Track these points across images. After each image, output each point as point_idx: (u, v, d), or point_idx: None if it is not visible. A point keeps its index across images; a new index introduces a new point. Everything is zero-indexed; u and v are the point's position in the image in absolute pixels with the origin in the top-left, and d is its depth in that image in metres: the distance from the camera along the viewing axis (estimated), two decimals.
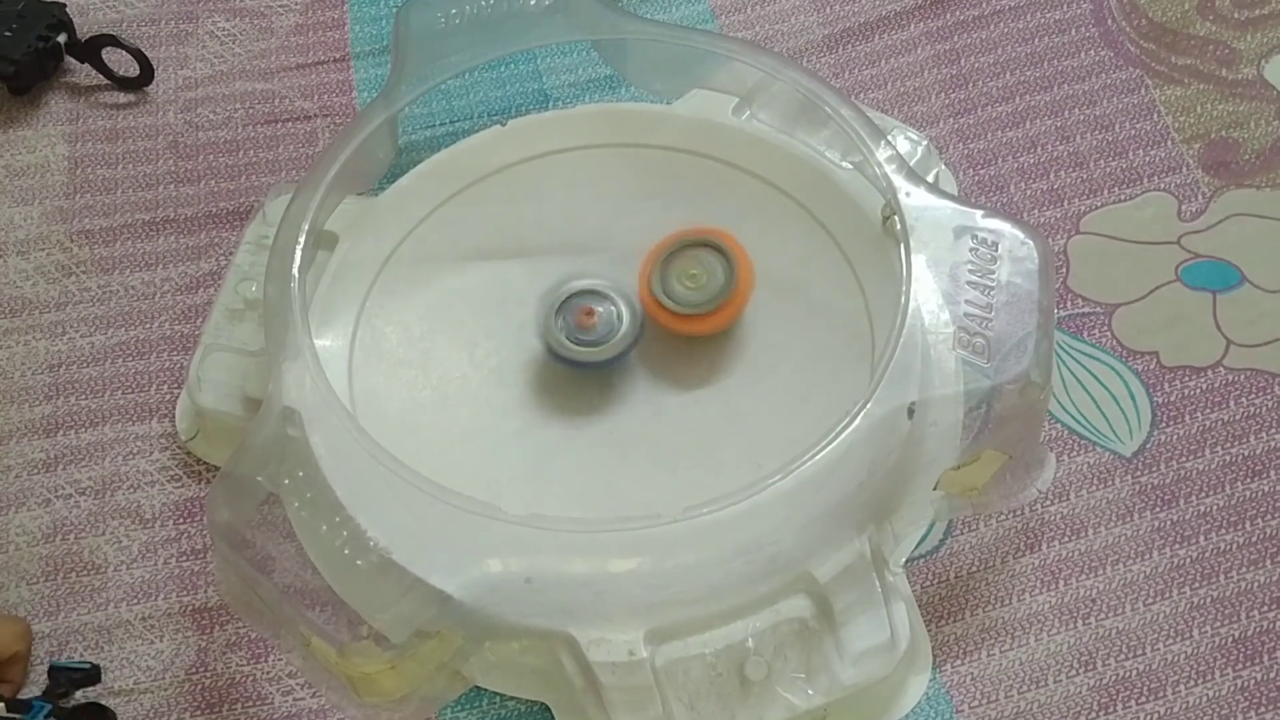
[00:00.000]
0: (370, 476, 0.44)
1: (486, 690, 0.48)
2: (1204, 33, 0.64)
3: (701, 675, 0.43)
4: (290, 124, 0.64)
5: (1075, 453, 0.52)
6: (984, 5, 0.66)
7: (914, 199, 0.49)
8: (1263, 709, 0.46)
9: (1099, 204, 0.59)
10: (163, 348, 0.57)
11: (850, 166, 0.53)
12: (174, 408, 0.55)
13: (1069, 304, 0.56)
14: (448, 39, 0.55)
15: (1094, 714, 0.47)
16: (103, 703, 0.48)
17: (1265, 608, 0.48)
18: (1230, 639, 0.48)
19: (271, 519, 0.45)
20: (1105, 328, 0.55)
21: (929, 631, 0.48)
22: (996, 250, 0.48)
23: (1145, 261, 0.57)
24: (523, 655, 0.45)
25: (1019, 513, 0.51)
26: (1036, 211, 0.59)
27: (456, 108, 0.64)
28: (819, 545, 0.44)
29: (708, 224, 0.55)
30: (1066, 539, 0.50)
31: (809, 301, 0.53)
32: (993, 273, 0.47)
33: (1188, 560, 0.50)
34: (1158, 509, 0.51)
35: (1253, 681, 0.47)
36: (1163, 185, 0.59)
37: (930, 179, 0.52)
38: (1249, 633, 0.48)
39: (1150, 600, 0.49)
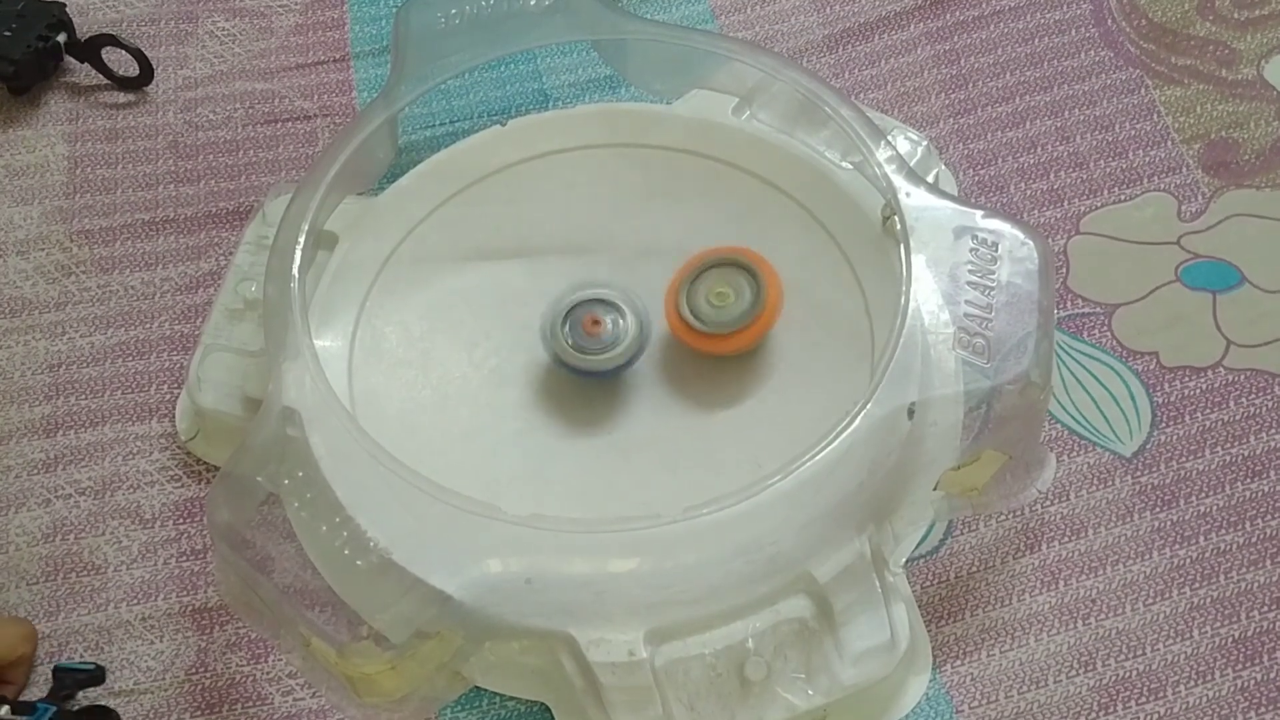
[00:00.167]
0: (370, 477, 0.44)
1: (486, 690, 0.48)
2: (1204, 33, 0.64)
3: (701, 675, 0.43)
4: (290, 124, 0.64)
5: (1075, 453, 0.52)
6: (984, 5, 0.66)
7: (914, 199, 0.49)
8: (1263, 709, 0.46)
9: (1099, 204, 0.59)
10: (163, 348, 0.57)
11: (850, 166, 0.53)
12: (174, 408, 0.55)
13: (1069, 304, 0.56)
14: (448, 39, 0.55)
15: (1094, 714, 0.47)
16: (103, 703, 0.48)
17: (1265, 608, 0.48)
18: (1230, 639, 0.48)
19: (271, 519, 0.45)
20: (1105, 328, 0.55)
21: (929, 631, 0.48)
22: (996, 250, 0.48)
23: (1145, 262, 0.57)
24: (523, 655, 0.45)
25: (1019, 513, 0.51)
26: (1036, 211, 0.59)
27: (456, 108, 0.64)
28: (819, 545, 0.44)
29: (708, 224, 0.55)
30: (1066, 539, 0.50)
31: (809, 301, 0.53)
32: (993, 273, 0.47)
33: (1188, 560, 0.50)
34: (1158, 509, 0.51)
35: (1253, 682, 0.47)
36: (1163, 185, 0.59)
37: (930, 179, 0.52)
38: (1249, 633, 0.48)
39: (1150, 600, 0.49)
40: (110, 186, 0.62)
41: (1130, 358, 0.54)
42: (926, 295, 0.47)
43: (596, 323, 0.50)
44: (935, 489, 0.46)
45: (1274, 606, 0.48)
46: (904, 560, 0.48)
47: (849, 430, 0.43)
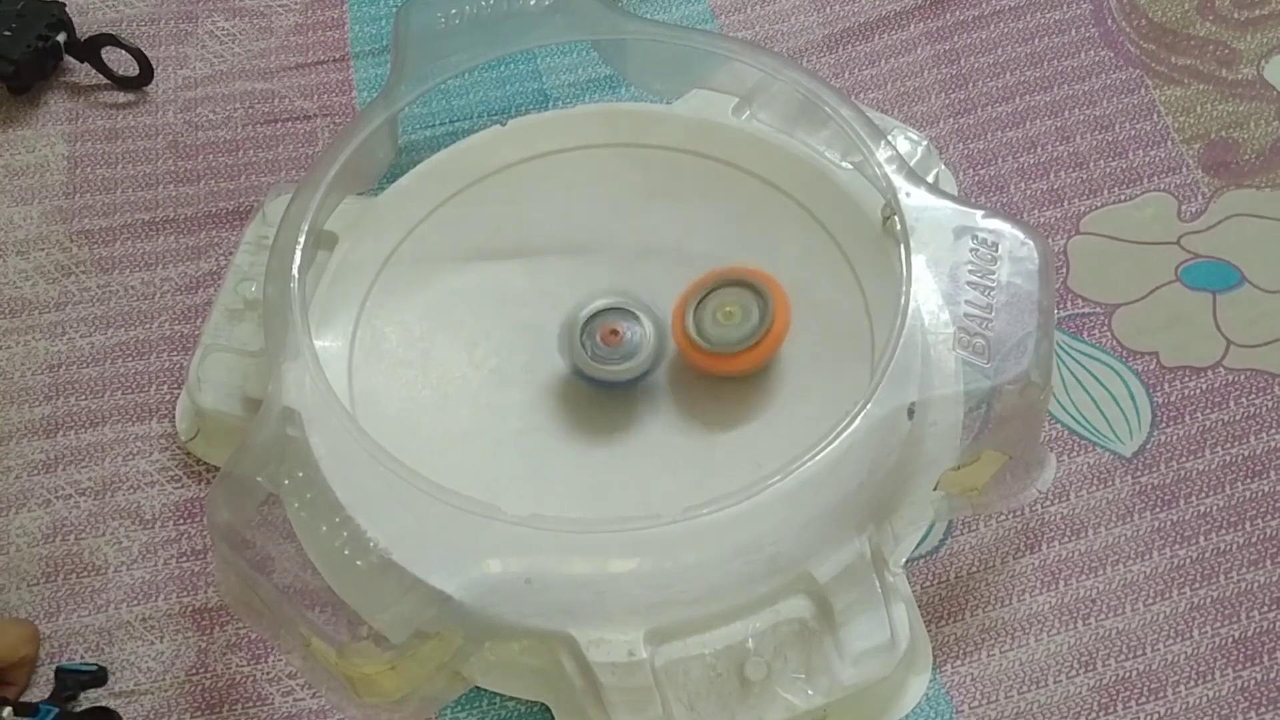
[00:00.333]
0: (370, 477, 0.44)
1: (486, 690, 0.48)
2: (1204, 33, 0.64)
3: (701, 675, 0.43)
4: (290, 124, 0.64)
5: (1075, 453, 0.52)
6: (984, 5, 0.66)
7: (914, 199, 0.49)
8: (1263, 709, 0.46)
9: (1099, 204, 0.59)
10: (163, 348, 0.57)
11: (850, 166, 0.53)
12: (174, 408, 0.55)
13: (1069, 304, 0.56)
14: (448, 39, 0.55)
15: (1094, 714, 0.47)
16: (103, 704, 0.48)
17: (1265, 608, 0.48)
18: (1230, 639, 0.48)
19: (271, 519, 0.45)
20: (1105, 328, 0.55)
21: (929, 631, 0.48)
22: (996, 250, 0.48)
23: (1145, 262, 0.57)
24: (523, 655, 0.45)
25: (1019, 513, 0.51)
26: (1036, 211, 0.59)
27: (456, 108, 0.64)
28: (819, 545, 0.44)
29: (708, 224, 0.55)
30: (1066, 539, 0.50)
31: (809, 301, 0.53)
32: (993, 273, 0.47)
33: (1188, 560, 0.50)
34: (1158, 509, 0.51)
35: (1253, 682, 0.47)
36: (1163, 185, 0.59)
37: (930, 179, 0.52)
38: (1249, 633, 0.48)
39: (1150, 600, 0.49)
40: (110, 186, 0.62)
41: (1130, 358, 0.54)
42: (926, 295, 0.47)
43: (615, 333, 0.50)
44: (935, 489, 0.46)
45: (1274, 606, 0.48)
46: (904, 560, 0.48)
47: (849, 430, 0.43)
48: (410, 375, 0.52)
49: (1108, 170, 0.60)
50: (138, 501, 0.53)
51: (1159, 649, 0.48)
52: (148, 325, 0.58)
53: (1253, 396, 0.53)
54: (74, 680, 0.48)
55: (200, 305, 0.58)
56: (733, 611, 0.44)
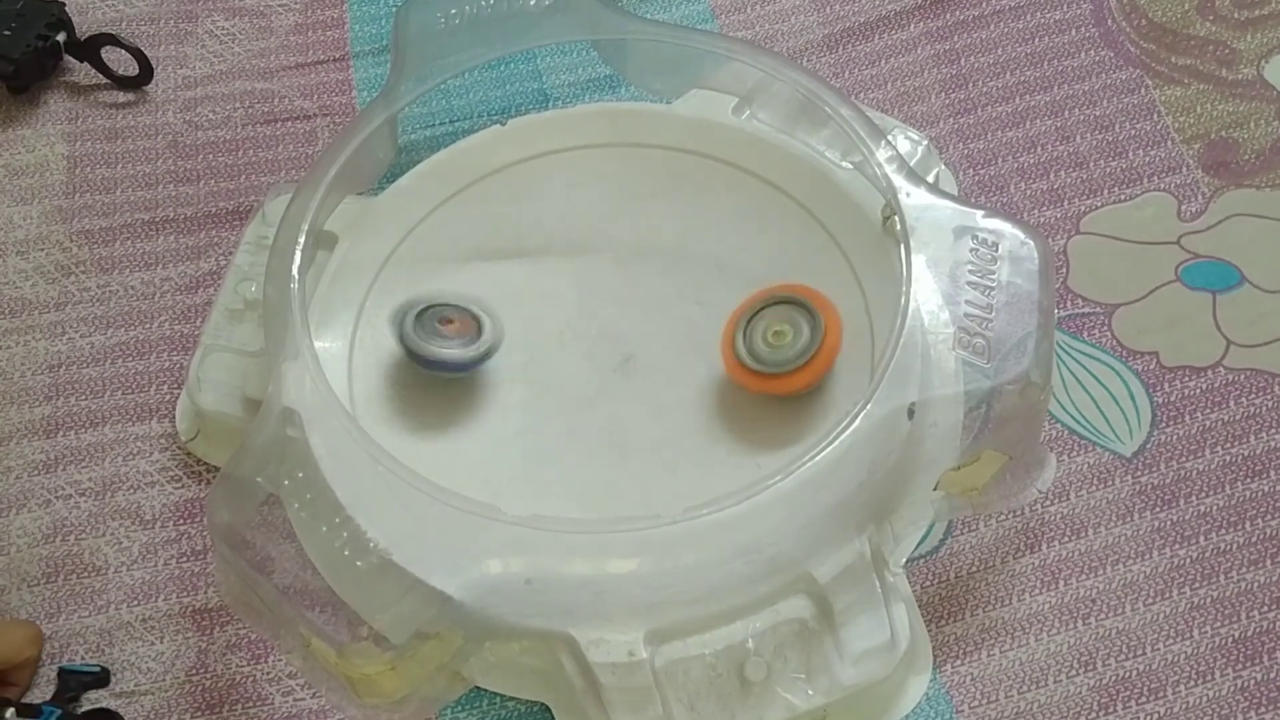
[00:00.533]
0: (370, 477, 0.44)
1: (486, 691, 0.48)
2: (1204, 33, 0.64)
3: (701, 676, 0.43)
4: (290, 124, 0.64)
5: (1075, 453, 0.52)
6: (984, 5, 0.66)
7: (914, 199, 0.49)
8: (1263, 709, 0.46)
9: (1099, 204, 0.59)
10: (163, 348, 0.57)
11: (850, 166, 0.53)
12: (174, 408, 0.55)
13: (1069, 304, 0.56)
14: (448, 39, 0.55)
15: (1094, 714, 0.47)
16: (104, 705, 0.48)
17: (1265, 608, 0.48)
18: (1230, 639, 0.48)
19: (271, 520, 0.45)
20: (1105, 328, 0.55)
21: (929, 631, 0.48)
22: (997, 250, 0.48)
23: (1145, 261, 0.57)
24: (523, 656, 0.45)
25: (1019, 513, 0.51)
26: (1036, 211, 0.59)
27: (456, 108, 0.64)
28: (819, 545, 0.44)
29: (708, 224, 0.55)
30: (1066, 539, 0.50)
31: None
32: (993, 273, 0.47)
33: (1188, 560, 0.50)
34: (1158, 509, 0.51)
35: (1253, 681, 0.47)
36: (1163, 185, 0.59)
37: (930, 179, 0.52)
38: (1249, 633, 0.48)
39: (1150, 600, 0.49)
40: (110, 186, 0.62)
41: (1130, 358, 0.54)
42: (926, 295, 0.47)
43: (450, 321, 0.50)
44: (935, 489, 0.46)
45: (1274, 606, 0.48)
46: (904, 560, 0.48)
47: (849, 430, 0.43)
48: (410, 375, 0.52)
49: (1108, 170, 0.60)
50: (138, 502, 0.53)
51: (1159, 649, 0.48)
52: (148, 325, 0.58)
53: (1253, 396, 0.53)
54: (77, 681, 0.48)
55: (200, 305, 0.58)
56: (733, 612, 0.44)
